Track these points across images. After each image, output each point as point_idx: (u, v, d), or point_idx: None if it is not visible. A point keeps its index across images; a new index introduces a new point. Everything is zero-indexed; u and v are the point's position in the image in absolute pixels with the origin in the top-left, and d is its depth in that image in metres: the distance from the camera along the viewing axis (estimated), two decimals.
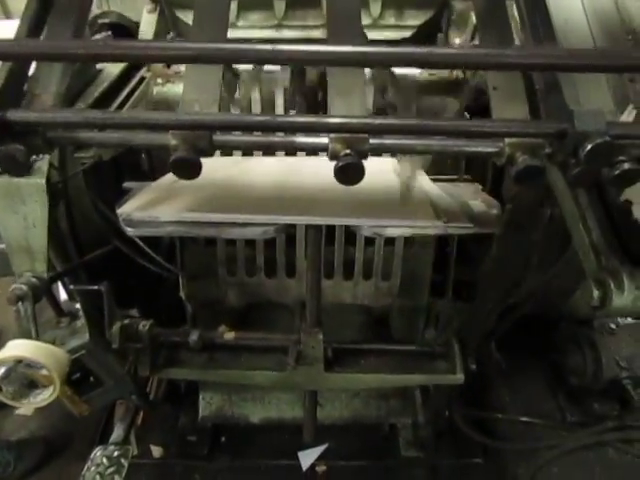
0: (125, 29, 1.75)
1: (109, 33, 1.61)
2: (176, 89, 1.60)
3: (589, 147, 0.64)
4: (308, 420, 1.72)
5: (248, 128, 0.72)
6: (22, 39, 0.73)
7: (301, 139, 0.73)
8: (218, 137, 0.72)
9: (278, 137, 0.74)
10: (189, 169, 0.70)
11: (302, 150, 0.74)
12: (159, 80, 1.57)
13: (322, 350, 1.55)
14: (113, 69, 1.43)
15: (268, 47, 0.60)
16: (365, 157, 0.72)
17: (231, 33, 1.91)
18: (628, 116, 0.67)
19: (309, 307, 1.53)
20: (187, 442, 2.11)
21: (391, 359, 1.66)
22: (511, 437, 2.31)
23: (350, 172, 0.69)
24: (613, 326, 2.37)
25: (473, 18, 1.65)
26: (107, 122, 0.72)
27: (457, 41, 1.93)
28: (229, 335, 1.58)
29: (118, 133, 0.74)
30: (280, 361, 1.59)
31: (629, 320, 2.42)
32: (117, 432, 1.99)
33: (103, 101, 1.36)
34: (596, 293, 0.90)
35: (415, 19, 1.75)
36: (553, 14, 0.79)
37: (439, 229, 1.20)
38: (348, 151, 0.68)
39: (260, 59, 0.65)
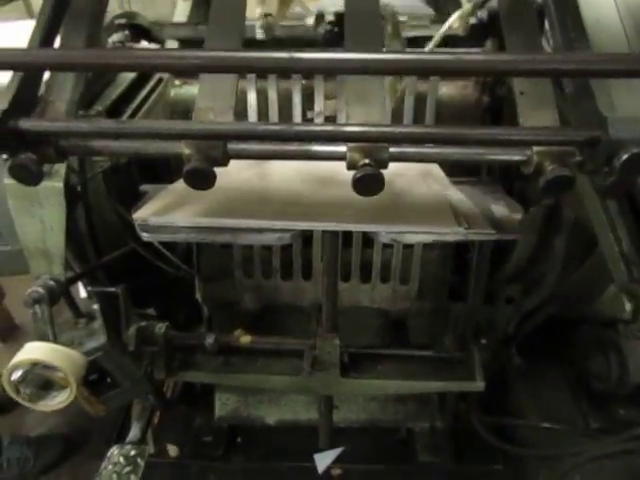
0: (143, 30, 1.74)
1: (126, 33, 1.60)
2: (193, 91, 1.59)
3: (625, 157, 0.60)
4: (323, 425, 1.70)
5: (264, 137, 0.70)
6: (33, 49, 0.72)
7: (317, 147, 0.71)
8: (232, 146, 0.70)
9: (294, 146, 0.72)
10: (203, 179, 0.68)
11: (318, 159, 0.72)
12: (177, 82, 1.56)
13: (338, 355, 1.53)
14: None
15: (285, 55, 0.57)
16: (385, 167, 0.69)
17: None
18: None
19: (325, 312, 1.51)
20: (203, 442, 2.11)
21: (408, 365, 1.63)
22: (532, 443, 2.26)
23: (369, 183, 0.67)
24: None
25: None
26: (120, 132, 0.70)
27: None
28: (245, 339, 1.57)
29: (131, 142, 0.72)
30: (296, 366, 1.58)
31: None
32: (134, 431, 2.00)
33: (121, 103, 1.36)
34: (628, 306, 0.86)
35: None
36: (584, 14, 0.75)
37: (459, 235, 1.16)
38: (367, 161, 0.65)
39: (277, 68, 0.62)
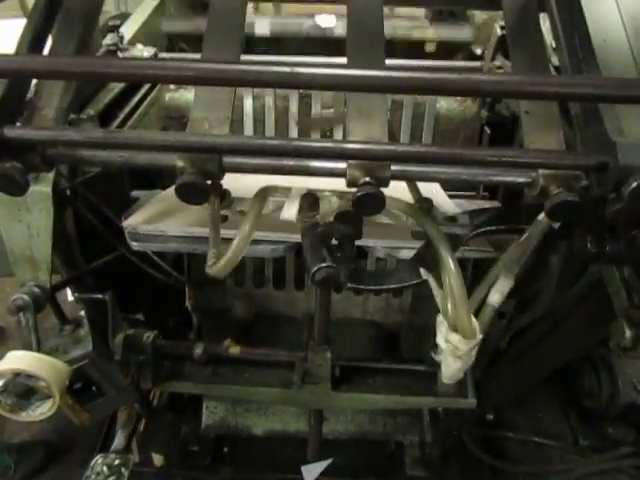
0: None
1: (121, 35, 1.57)
2: (188, 95, 1.56)
3: (635, 184, 0.58)
4: (312, 438, 1.67)
5: (261, 152, 0.67)
6: (19, 56, 0.68)
7: (316, 163, 0.68)
8: (228, 160, 0.67)
9: (292, 161, 0.69)
10: (197, 194, 0.65)
11: (318, 175, 0.70)
12: (171, 86, 1.53)
13: (329, 369, 1.51)
14: None
15: (286, 70, 0.55)
16: (386, 185, 0.66)
17: None
18: None
19: (317, 325, 1.48)
20: (189, 452, 2.08)
21: (400, 379, 1.60)
22: (521, 459, 2.24)
23: (371, 202, 0.64)
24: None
25: (497, 30, 1.59)
26: (109, 142, 0.67)
27: (478, 52, 1.87)
28: (234, 349, 1.53)
29: (121, 152, 0.69)
30: (286, 378, 1.55)
31: None
32: (119, 439, 1.96)
33: (113, 107, 1.32)
34: (629, 333, 0.85)
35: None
36: (591, 33, 0.73)
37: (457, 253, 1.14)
38: (368, 179, 0.63)
39: (277, 83, 0.60)
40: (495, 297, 0.98)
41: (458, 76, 0.57)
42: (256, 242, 1.09)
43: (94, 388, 1.54)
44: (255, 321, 1.84)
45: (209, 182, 0.66)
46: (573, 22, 0.72)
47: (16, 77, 0.66)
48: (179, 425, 2.15)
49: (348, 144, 0.65)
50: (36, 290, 1.22)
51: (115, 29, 1.61)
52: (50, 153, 0.67)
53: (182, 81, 0.60)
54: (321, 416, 1.68)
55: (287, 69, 0.55)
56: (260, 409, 2.14)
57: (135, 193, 1.40)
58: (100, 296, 1.44)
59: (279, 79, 0.56)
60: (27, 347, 1.21)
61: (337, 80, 0.56)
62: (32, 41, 0.74)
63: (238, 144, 0.66)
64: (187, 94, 1.56)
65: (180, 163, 0.65)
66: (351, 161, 0.65)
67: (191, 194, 0.65)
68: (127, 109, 1.35)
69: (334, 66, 0.57)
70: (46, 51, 0.78)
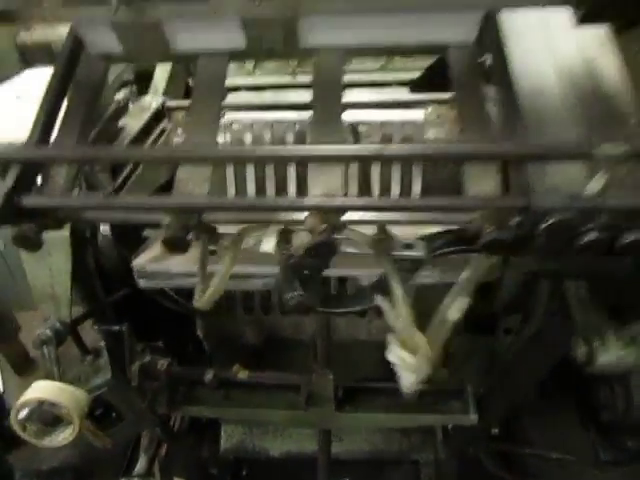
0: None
1: (133, 89, 1.72)
2: None
3: (546, 224, 0.67)
4: (322, 458, 1.74)
5: (235, 209, 0.80)
6: (27, 148, 0.83)
7: (282, 217, 0.80)
8: (208, 215, 0.79)
9: (261, 215, 0.81)
10: (179, 246, 0.76)
11: (285, 224, 0.80)
12: (179, 131, 1.67)
13: (332, 390, 1.58)
14: (135, 124, 1.53)
15: (250, 149, 0.66)
16: (340, 231, 0.77)
17: (248, 79, 2.03)
18: (596, 183, 0.68)
19: (319, 349, 1.57)
20: (209, 474, 2.16)
21: (402, 398, 1.65)
22: (540, 475, 2.23)
23: (323, 249, 0.74)
24: None
25: None
26: (105, 206, 0.80)
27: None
28: (243, 374, 1.63)
29: (117, 214, 0.83)
30: (293, 400, 1.62)
31: None
32: (141, 463, 2.06)
33: None
34: (582, 350, 0.90)
35: (423, 61, 1.79)
36: (525, 85, 0.82)
37: (433, 278, 1.22)
38: (323, 227, 0.73)
39: (244, 159, 0.71)
40: (452, 314, 1.05)
41: (400, 147, 0.67)
42: (248, 277, 1.19)
43: (114, 414, 1.65)
44: (266, 345, 1.93)
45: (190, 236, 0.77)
46: (509, 93, 0.82)
47: (25, 164, 0.80)
48: (199, 449, 2.23)
49: (306, 199, 0.75)
50: (57, 325, 1.35)
51: (129, 83, 1.76)
52: (60, 215, 0.81)
53: (168, 162, 0.73)
54: (329, 437, 1.74)
55: (251, 148, 0.66)
56: (277, 431, 2.20)
57: (147, 232, 1.52)
58: (117, 328, 1.56)
59: (244, 155, 0.67)
60: (50, 377, 1.33)
61: (297, 154, 0.66)
62: (43, 126, 0.88)
63: (214, 203, 0.78)
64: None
65: (166, 220, 0.76)
66: (308, 212, 0.75)
67: (174, 246, 0.76)
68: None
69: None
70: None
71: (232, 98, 1.88)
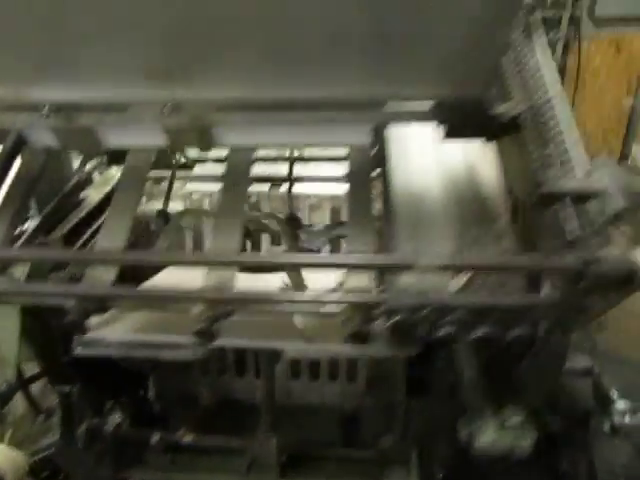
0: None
1: (103, 159, 1.84)
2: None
3: (390, 322, 0.75)
4: None
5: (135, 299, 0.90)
6: None
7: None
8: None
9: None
10: (76, 328, 0.86)
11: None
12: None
13: (275, 457, 1.59)
14: (95, 196, 1.64)
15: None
16: (225, 319, 0.86)
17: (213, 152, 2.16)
18: (459, 281, 0.76)
19: (263, 413, 1.59)
20: None
21: (347, 465, 1.67)
22: None
23: (204, 335, 0.83)
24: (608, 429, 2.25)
25: None
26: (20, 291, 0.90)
27: None
28: (188, 437, 1.65)
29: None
30: (238, 465, 1.64)
31: (627, 421, 2.29)
32: None
33: (83, 227, 1.56)
34: (464, 431, 0.94)
35: None
36: (405, 193, 0.93)
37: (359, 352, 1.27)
38: (210, 314, 0.82)
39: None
40: None
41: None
42: (177, 346, 1.24)
43: (61, 476, 1.68)
44: (219, 408, 1.95)
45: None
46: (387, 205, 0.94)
47: None
48: None
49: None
50: (3, 387, 1.41)
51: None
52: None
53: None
54: None
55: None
56: None
57: None
58: (68, 389, 1.61)
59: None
60: None
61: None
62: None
63: (117, 292, 0.89)
64: (153, 206, 1.80)
65: (68, 304, 0.86)
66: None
67: (73, 327, 0.85)
68: (95, 226, 1.58)
69: None
70: None
71: (198, 169, 2.01)
